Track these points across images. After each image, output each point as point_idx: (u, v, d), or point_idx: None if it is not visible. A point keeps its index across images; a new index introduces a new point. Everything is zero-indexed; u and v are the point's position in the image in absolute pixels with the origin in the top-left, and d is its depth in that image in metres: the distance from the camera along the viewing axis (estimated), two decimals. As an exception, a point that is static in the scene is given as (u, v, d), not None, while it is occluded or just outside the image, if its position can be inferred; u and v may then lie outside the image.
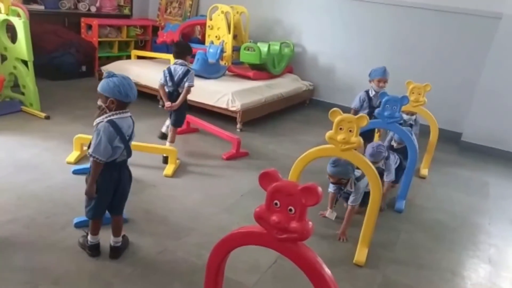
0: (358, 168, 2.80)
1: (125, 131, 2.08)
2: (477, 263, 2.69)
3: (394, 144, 3.84)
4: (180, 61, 3.68)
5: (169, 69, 3.69)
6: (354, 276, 2.39)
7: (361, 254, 2.52)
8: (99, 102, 2.10)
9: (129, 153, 2.18)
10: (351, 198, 2.77)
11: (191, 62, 4.81)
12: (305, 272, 1.42)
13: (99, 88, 2.05)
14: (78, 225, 2.52)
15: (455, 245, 2.89)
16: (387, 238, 2.85)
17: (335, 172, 2.72)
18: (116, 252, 2.30)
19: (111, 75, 2.05)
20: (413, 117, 4.26)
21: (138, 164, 3.38)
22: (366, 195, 2.71)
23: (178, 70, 3.64)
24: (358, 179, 2.78)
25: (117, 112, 2.07)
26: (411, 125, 4.22)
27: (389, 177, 3.22)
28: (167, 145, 3.75)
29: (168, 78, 3.67)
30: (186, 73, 3.63)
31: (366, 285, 2.33)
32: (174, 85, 3.66)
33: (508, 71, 4.86)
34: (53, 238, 2.41)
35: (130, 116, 2.16)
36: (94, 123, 2.09)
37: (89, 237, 2.28)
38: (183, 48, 3.77)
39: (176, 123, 3.80)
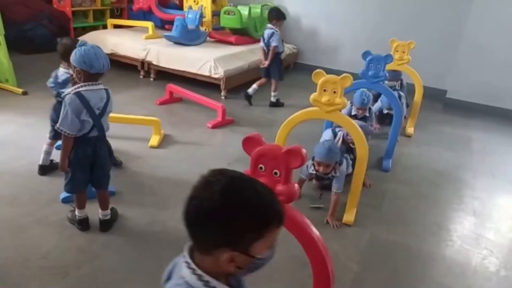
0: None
1: (93, 104, 1.99)
2: (462, 216, 2.76)
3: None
4: (270, 25, 4.37)
5: (263, 32, 4.43)
6: (343, 235, 2.43)
7: (349, 214, 2.56)
8: (71, 72, 2.03)
9: (100, 129, 2.07)
10: (336, 185, 2.57)
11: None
12: (293, 233, 1.42)
13: (70, 58, 1.98)
14: (65, 200, 2.49)
15: (441, 200, 2.95)
16: (375, 197, 2.89)
17: (331, 158, 2.51)
18: (105, 225, 2.29)
19: (82, 44, 1.97)
20: (396, 83, 4.25)
21: (122, 136, 3.33)
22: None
23: (268, 32, 4.35)
24: (340, 162, 2.63)
25: (86, 83, 1.98)
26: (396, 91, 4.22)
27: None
28: (272, 94, 4.57)
29: (263, 41, 4.40)
30: (271, 35, 4.30)
31: (355, 243, 2.38)
32: (265, 45, 4.39)
33: (492, 24, 4.82)
34: (39, 214, 2.38)
35: (105, 89, 2.06)
36: (62, 95, 2.01)
37: (76, 211, 2.26)
38: (270, 13, 4.44)
39: (274, 77, 4.49)
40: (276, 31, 4.32)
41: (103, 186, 2.26)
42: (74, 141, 2.03)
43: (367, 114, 3.47)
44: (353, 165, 2.82)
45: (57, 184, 2.62)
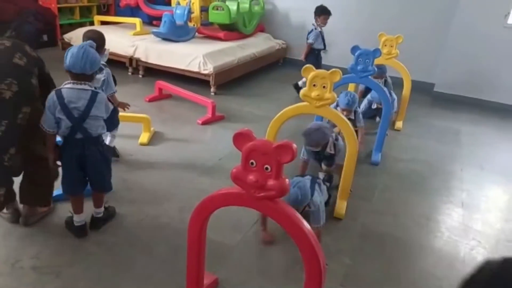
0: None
1: (68, 102, 1.91)
2: (450, 208, 2.80)
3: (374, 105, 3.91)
4: (313, 22, 4.77)
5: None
6: (334, 229, 2.45)
7: (340, 207, 2.58)
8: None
9: (84, 132, 1.97)
10: (313, 219, 2.28)
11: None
12: (285, 227, 1.44)
13: None
14: (55, 199, 2.46)
15: (430, 192, 2.99)
16: (365, 190, 2.92)
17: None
18: (96, 223, 2.27)
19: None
20: (381, 80, 4.27)
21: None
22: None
23: (309, 29, 4.80)
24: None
25: (70, 82, 1.95)
26: None
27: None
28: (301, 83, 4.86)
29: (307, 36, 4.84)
30: (310, 32, 4.77)
31: (346, 237, 2.40)
32: (306, 40, 4.81)
33: (480, 17, 4.88)
34: (29, 214, 2.36)
35: (93, 91, 1.96)
36: None
37: (74, 217, 2.21)
38: (314, 11, 4.75)
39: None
40: (315, 28, 4.73)
41: (99, 189, 2.22)
42: (63, 141, 2.02)
43: (352, 117, 3.36)
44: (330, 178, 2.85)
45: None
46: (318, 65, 4.66)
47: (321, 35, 4.77)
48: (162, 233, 2.28)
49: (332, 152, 2.69)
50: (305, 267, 1.42)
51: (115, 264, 2.03)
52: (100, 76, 2.54)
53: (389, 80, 4.45)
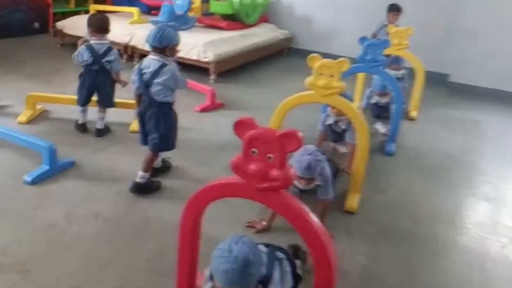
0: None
1: (142, 68, 2.28)
2: (474, 201, 2.56)
3: (376, 98, 3.55)
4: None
5: None
6: (347, 225, 2.22)
7: (352, 201, 2.35)
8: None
9: (146, 95, 2.29)
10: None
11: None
12: (290, 221, 1.27)
13: None
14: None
15: (450, 184, 2.75)
16: (379, 182, 2.68)
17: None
18: (133, 187, 2.32)
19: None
20: (400, 72, 4.05)
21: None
22: None
23: (379, 25, 4.89)
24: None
25: (151, 52, 2.30)
26: (397, 79, 4.00)
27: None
28: None
29: None
30: (381, 28, 4.82)
31: (361, 233, 2.16)
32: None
33: (492, 7, 4.67)
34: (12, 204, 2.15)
35: (163, 62, 2.25)
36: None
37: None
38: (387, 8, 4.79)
39: None
40: (385, 25, 4.59)
41: (149, 146, 2.36)
42: None
43: (345, 127, 2.81)
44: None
45: (21, 170, 2.42)
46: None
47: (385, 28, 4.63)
48: (149, 227, 2.07)
49: (320, 183, 2.02)
50: (315, 266, 1.24)
51: (95, 263, 1.81)
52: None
53: (404, 72, 4.16)
